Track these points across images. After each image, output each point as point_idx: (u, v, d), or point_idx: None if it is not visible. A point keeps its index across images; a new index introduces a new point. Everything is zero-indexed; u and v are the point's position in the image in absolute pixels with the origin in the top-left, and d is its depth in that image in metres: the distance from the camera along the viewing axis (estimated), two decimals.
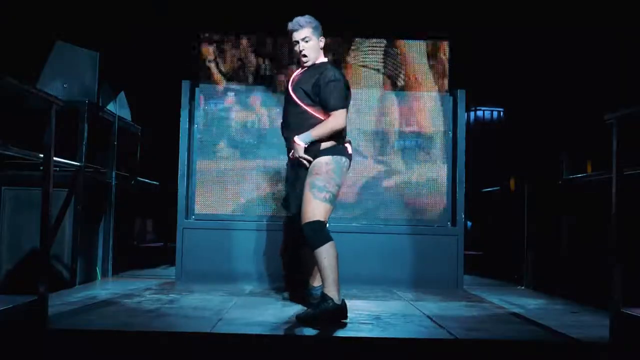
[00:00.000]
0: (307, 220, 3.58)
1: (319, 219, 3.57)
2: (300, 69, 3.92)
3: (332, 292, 3.47)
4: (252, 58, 5.67)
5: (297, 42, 3.79)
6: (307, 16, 3.84)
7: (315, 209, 3.58)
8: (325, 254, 3.50)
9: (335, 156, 3.69)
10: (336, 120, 3.67)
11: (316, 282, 3.96)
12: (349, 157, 3.78)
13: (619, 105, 3.09)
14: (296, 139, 3.67)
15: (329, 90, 3.66)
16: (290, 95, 3.81)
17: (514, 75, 6.45)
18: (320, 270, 3.55)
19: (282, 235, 5.03)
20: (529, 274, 5.29)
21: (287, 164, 4.06)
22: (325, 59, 3.91)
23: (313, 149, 3.69)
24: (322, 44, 3.86)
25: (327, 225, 3.65)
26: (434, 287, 5.12)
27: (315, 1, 5.89)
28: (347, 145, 3.79)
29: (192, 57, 5.68)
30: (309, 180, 3.65)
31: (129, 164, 6.15)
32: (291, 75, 3.97)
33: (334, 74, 3.70)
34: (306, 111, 3.73)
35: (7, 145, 3.35)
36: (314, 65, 3.83)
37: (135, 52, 6.54)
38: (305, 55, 3.80)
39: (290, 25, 3.83)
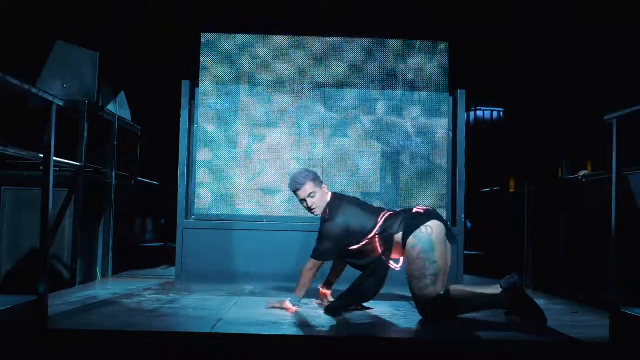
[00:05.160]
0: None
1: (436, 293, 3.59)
2: None
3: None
4: (252, 58, 5.67)
5: (304, 200, 3.86)
6: (302, 171, 3.90)
7: (428, 295, 3.58)
8: None
9: (416, 234, 3.63)
10: (307, 266, 3.83)
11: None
12: (435, 219, 3.66)
13: (619, 105, 3.09)
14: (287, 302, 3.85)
15: (318, 240, 3.84)
16: None
17: (513, 75, 6.45)
18: None
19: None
20: (529, 274, 5.29)
21: None
22: (328, 201, 3.88)
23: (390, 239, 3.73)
24: (325, 190, 3.90)
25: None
26: None
27: (315, 1, 5.90)
28: (418, 209, 3.73)
29: (192, 57, 5.67)
30: (407, 271, 3.67)
31: (129, 164, 6.15)
32: None
33: (327, 228, 3.79)
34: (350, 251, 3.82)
35: (7, 145, 3.35)
36: (324, 214, 3.87)
37: (135, 52, 6.54)
38: (314, 210, 3.87)
39: (291, 186, 3.91)
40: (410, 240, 3.63)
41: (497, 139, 7.81)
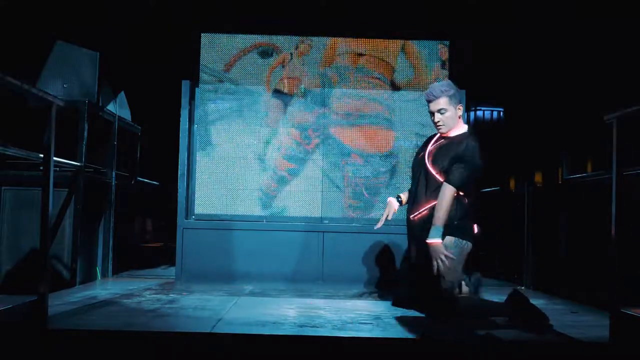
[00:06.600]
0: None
1: None
2: (436, 137, 3.80)
3: None
4: (252, 58, 5.67)
5: (433, 113, 3.69)
6: (444, 84, 3.70)
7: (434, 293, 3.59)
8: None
9: (458, 239, 3.59)
10: (444, 194, 3.53)
11: None
12: (473, 239, 3.63)
13: (619, 105, 3.09)
14: (429, 240, 3.51)
15: (457, 167, 3.56)
16: (427, 167, 3.69)
17: (513, 75, 6.45)
18: None
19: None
20: (529, 274, 5.29)
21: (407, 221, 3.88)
22: (465, 128, 3.73)
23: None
24: (459, 112, 3.71)
25: None
26: None
27: (315, 1, 5.89)
28: (475, 225, 3.66)
29: (192, 57, 5.68)
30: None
31: (129, 164, 6.15)
32: (428, 143, 3.83)
33: (472, 150, 3.56)
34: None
35: (7, 145, 3.35)
36: (453, 137, 3.69)
37: (135, 52, 6.53)
38: (440, 127, 3.69)
39: (425, 95, 3.74)
40: (451, 241, 3.57)
41: (497, 139, 7.80)
